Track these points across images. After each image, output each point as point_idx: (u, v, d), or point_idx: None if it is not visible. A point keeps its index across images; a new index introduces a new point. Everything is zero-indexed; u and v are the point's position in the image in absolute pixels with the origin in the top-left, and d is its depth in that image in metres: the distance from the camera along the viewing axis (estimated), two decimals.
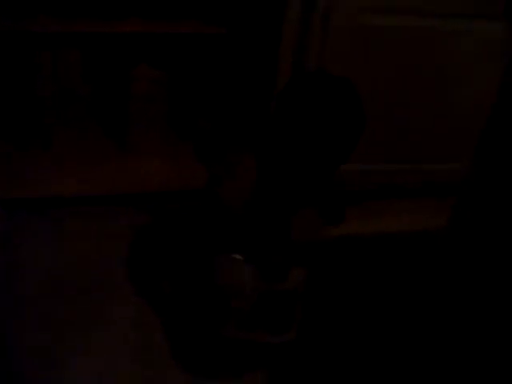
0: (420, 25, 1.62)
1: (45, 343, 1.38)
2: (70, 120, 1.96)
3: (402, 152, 1.84)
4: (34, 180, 1.77)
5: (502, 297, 1.56)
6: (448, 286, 1.64)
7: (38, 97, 1.82)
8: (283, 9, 1.59)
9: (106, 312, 1.47)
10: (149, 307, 1.50)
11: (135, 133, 1.89)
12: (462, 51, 1.69)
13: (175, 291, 1.56)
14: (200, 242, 1.50)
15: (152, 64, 1.82)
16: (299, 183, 1.42)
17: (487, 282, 1.63)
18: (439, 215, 1.87)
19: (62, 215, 1.71)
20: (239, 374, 1.42)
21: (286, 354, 1.45)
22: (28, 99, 1.83)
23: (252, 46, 1.81)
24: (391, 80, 1.70)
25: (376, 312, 1.62)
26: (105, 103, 1.98)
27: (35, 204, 1.72)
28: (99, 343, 1.39)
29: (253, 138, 1.55)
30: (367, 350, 1.52)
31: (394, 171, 1.86)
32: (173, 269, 1.60)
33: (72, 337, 1.40)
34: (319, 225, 1.50)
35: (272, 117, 1.43)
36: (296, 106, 1.38)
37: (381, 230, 1.85)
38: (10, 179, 1.75)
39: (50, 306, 1.46)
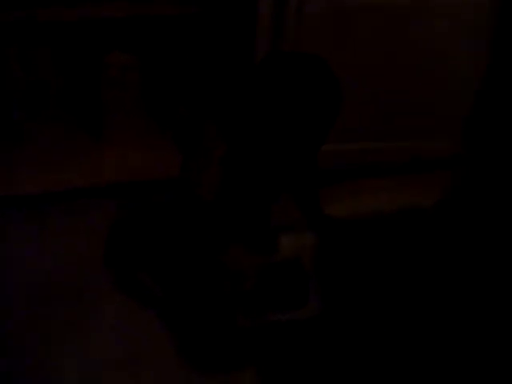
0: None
1: (32, 343, 1.33)
2: (42, 113, 1.90)
3: (387, 130, 1.81)
4: (7, 177, 1.71)
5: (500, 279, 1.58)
6: (443, 265, 1.64)
7: (6, 90, 1.76)
8: None
9: (96, 311, 1.42)
10: (136, 304, 1.45)
11: (111, 123, 1.84)
12: (441, 26, 1.65)
13: (168, 291, 1.50)
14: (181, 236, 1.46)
15: (125, 50, 1.76)
16: (276, 167, 1.38)
17: (485, 259, 1.64)
18: (419, 192, 1.88)
19: (42, 211, 1.65)
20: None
21: (313, 332, 1.37)
22: None
23: (228, 27, 1.77)
24: (371, 61, 1.67)
25: (365, 296, 1.60)
26: (77, 93, 1.91)
27: (11, 201, 1.66)
28: (88, 343, 1.35)
29: (225, 120, 1.50)
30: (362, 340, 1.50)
31: (378, 150, 1.84)
32: (154, 262, 1.53)
33: (60, 337, 1.36)
34: (296, 210, 1.47)
35: (244, 97, 1.39)
36: (268, 85, 1.34)
37: (359, 210, 1.82)
38: None
39: (37, 306, 1.42)
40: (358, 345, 1.41)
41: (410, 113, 1.78)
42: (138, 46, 1.80)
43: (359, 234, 1.71)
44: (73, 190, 1.71)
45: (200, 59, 1.87)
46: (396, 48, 1.67)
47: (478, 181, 1.90)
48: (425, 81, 1.73)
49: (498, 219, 1.76)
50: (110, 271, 1.52)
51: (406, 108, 1.77)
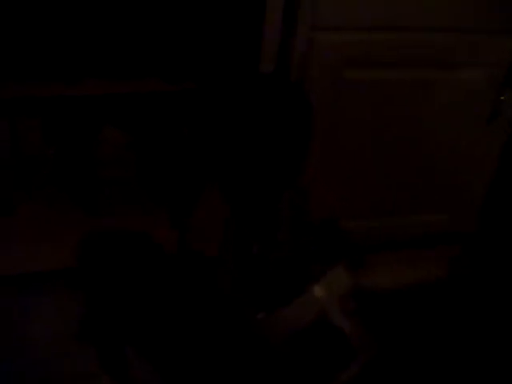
0: (395, 77, 1.58)
1: None
2: (34, 187, 1.87)
3: (386, 206, 1.80)
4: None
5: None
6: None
7: None
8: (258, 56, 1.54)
9: None
10: None
11: (106, 199, 1.81)
12: (440, 101, 1.65)
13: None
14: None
15: (118, 126, 1.74)
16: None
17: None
18: (431, 266, 1.87)
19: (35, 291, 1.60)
20: None
21: None
22: None
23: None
24: (376, 134, 1.67)
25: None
26: (70, 168, 1.89)
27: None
28: None
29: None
30: None
31: (381, 225, 1.82)
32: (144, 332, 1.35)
33: None
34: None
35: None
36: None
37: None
38: None
39: None
40: None
41: (407, 187, 1.77)
42: (131, 122, 1.79)
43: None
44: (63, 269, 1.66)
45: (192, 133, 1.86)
46: (397, 122, 1.67)
47: (487, 257, 1.92)
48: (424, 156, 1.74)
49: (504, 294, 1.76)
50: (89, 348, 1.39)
51: (401, 182, 1.77)
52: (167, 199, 1.86)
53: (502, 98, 1.62)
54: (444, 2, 1.51)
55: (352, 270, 1.31)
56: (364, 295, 1.63)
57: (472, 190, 1.83)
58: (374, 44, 1.52)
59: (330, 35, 1.49)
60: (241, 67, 1.65)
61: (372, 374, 1.34)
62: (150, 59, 1.73)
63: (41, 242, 1.72)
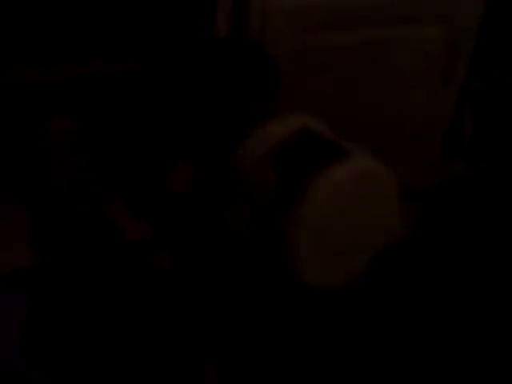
0: (351, 39, 1.56)
1: None
2: None
3: None
4: None
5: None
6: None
7: None
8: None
9: None
10: None
11: (59, 194, 1.69)
12: (397, 61, 1.65)
13: None
14: None
15: (66, 115, 1.63)
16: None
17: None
18: None
19: None
20: None
21: None
22: None
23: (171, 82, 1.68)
24: (337, 99, 1.64)
25: None
26: (15, 165, 1.76)
27: None
28: None
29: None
30: None
31: None
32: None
33: None
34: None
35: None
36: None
37: None
38: None
39: None
40: None
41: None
42: (81, 109, 1.68)
43: None
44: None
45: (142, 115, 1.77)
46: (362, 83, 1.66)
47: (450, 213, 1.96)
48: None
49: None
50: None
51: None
52: (127, 187, 1.77)
53: None
54: None
55: None
56: None
57: (428, 146, 1.86)
58: (329, 9, 1.50)
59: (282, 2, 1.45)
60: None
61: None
62: (88, 39, 1.62)
63: None
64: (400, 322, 1.55)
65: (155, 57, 1.63)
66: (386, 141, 1.77)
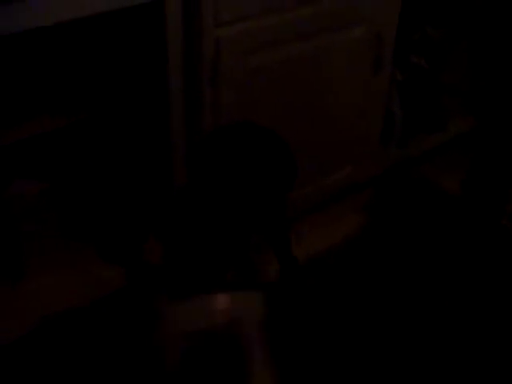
0: (293, 52, 1.64)
1: None
2: None
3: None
4: None
5: None
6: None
7: None
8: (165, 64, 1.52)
9: None
10: None
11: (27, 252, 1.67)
12: (335, 63, 1.75)
13: None
14: None
15: (28, 176, 1.61)
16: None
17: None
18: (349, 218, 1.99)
19: None
20: None
21: None
22: None
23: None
24: (288, 109, 1.73)
25: None
26: None
27: None
28: None
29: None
30: None
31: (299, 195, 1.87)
32: None
33: None
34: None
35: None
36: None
37: None
38: None
39: None
40: None
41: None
42: (42, 168, 1.65)
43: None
44: None
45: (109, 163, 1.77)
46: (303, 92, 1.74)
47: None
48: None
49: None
50: None
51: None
52: (96, 236, 1.76)
53: None
54: None
55: None
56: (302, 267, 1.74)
57: (367, 138, 1.99)
58: (266, 28, 1.58)
59: (228, 30, 1.52)
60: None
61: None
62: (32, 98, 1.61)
63: None
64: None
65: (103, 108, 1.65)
66: (332, 137, 1.89)
